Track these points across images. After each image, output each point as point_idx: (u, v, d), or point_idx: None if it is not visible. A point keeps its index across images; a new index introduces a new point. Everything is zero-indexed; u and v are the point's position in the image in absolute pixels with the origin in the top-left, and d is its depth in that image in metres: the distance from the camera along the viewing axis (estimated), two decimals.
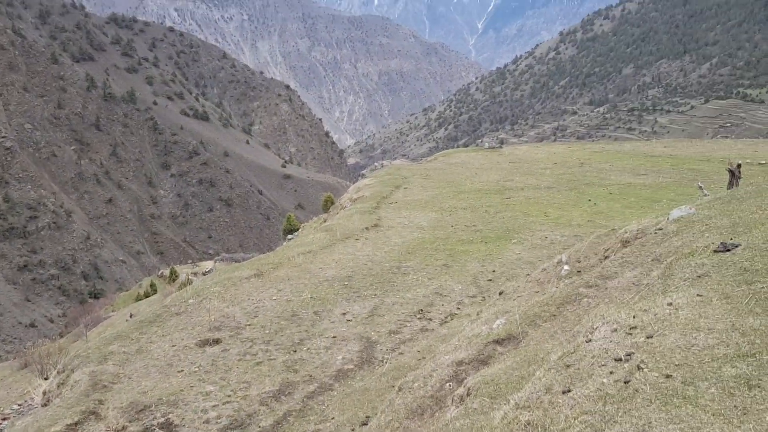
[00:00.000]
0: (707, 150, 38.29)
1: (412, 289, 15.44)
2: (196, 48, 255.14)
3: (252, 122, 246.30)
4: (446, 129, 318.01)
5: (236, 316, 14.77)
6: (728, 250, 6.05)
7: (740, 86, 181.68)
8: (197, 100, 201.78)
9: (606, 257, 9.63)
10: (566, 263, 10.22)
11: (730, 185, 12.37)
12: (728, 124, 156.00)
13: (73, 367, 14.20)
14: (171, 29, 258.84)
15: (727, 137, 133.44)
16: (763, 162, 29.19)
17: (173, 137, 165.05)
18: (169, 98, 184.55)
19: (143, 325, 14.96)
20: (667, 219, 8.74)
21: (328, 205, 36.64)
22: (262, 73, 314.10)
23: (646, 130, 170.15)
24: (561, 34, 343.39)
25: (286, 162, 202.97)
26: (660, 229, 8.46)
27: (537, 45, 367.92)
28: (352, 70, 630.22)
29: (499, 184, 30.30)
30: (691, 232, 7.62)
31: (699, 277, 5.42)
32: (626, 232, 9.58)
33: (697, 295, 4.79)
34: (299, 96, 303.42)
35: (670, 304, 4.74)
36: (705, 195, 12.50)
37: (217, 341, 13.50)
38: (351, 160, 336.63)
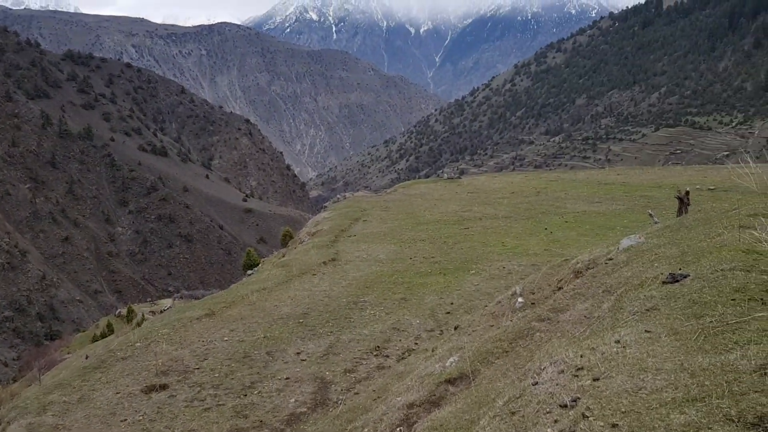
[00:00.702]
0: (659, 177, 39.13)
1: (369, 324, 15.07)
2: (153, 83, 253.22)
3: (212, 157, 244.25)
4: (407, 160, 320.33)
5: (185, 359, 14.15)
6: (677, 281, 5.90)
7: (688, 114, 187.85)
8: (155, 135, 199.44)
9: (559, 288, 9.47)
10: (520, 295, 10.03)
11: (680, 212, 12.44)
12: (678, 151, 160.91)
13: (10, 419, 13.38)
14: (128, 65, 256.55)
15: (677, 164, 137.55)
16: (712, 188, 29.87)
17: (131, 173, 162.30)
18: (127, 134, 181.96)
19: (86, 371, 14.21)
20: (618, 249, 8.64)
21: (286, 239, 36.08)
22: (221, 107, 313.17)
23: (600, 158, 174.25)
24: (516, 66, 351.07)
25: (247, 196, 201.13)
26: (610, 259, 8.34)
27: (493, 77, 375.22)
28: (312, 103, 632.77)
29: (458, 215, 30.30)
30: (640, 262, 7.50)
31: (648, 310, 5.24)
32: (578, 263, 9.45)
33: (646, 331, 4.59)
34: (259, 130, 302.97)
35: (617, 342, 4.52)
36: (656, 222, 12.54)
37: (163, 387, 12.87)
38: (313, 193, 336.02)
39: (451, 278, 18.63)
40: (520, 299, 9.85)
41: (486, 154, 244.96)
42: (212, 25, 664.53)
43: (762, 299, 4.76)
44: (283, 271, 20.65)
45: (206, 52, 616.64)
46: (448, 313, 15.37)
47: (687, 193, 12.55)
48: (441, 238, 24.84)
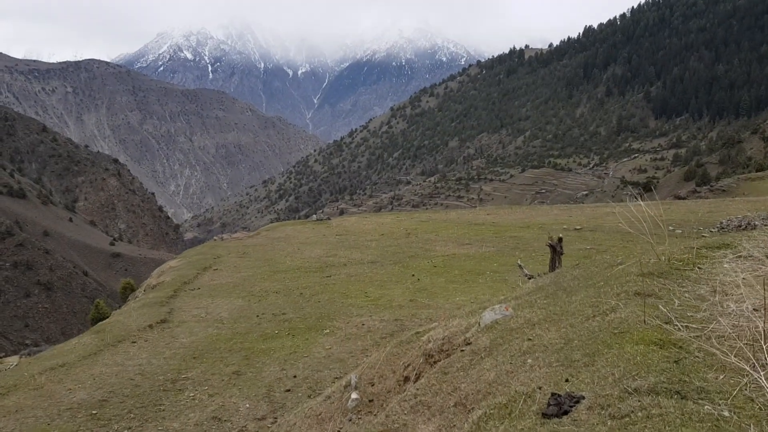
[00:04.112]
0: (526, 216, 38.62)
1: (184, 413, 11.77)
2: (11, 121, 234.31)
3: (76, 198, 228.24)
4: (287, 200, 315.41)
5: None
6: (565, 414, 3.44)
7: (551, 156, 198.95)
8: (12, 176, 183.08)
9: (406, 378, 6.92)
10: (356, 388, 7.35)
11: (552, 264, 10.42)
12: (543, 191, 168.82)
13: None
14: None
15: (543, 203, 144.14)
16: (579, 227, 29.27)
17: None
18: None
19: None
20: (479, 324, 6.22)
21: (126, 293, 31.56)
22: (87, 146, 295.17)
23: (473, 198, 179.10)
24: (392, 109, 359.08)
25: (114, 239, 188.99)
26: (468, 343, 5.88)
27: (371, 119, 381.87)
28: (187, 143, 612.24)
29: (322, 260, 27.58)
30: (508, 352, 5.07)
31: None
32: (430, 341, 6.96)
33: None
34: (129, 170, 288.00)
35: None
36: (526, 275, 10.49)
37: None
38: (189, 235, 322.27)
39: (300, 341, 15.73)
40: (354, 395, 7.17)
41: (365, 193, 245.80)
42: (79, 61, 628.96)
43: None
44: (94, 339, 16.73)
45: (72, 89, 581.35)
46: (288, 390, 12.42)
47: (560, 239, 10.61)
48: (297, 290, 21.93)
